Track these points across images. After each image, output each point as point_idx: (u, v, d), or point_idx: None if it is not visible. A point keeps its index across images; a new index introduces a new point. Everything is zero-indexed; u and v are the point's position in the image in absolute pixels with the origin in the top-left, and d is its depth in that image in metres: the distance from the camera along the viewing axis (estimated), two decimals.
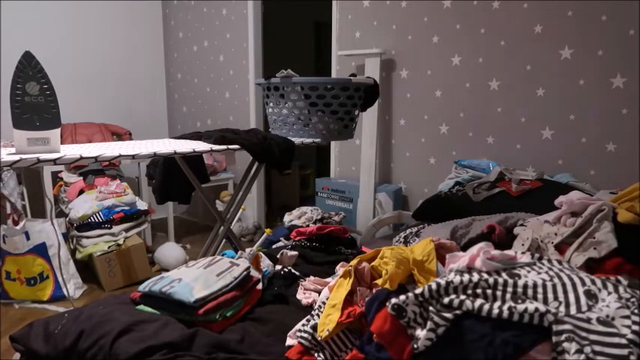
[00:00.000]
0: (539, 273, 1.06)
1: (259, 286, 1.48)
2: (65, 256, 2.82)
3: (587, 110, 2.35)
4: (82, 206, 3.02)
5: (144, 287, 1.37)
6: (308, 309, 1.40)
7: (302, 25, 5.35)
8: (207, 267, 1.43)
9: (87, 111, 4.13)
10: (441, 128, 2.89)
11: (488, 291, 0.98)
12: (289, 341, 1.21)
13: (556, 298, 0.96)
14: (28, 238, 2.74)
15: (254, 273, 1.49)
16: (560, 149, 2.46)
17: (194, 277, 1.35)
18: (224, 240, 2.19)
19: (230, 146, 1.79)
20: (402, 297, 1.00)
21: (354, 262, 1.28)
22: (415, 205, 2.94)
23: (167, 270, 2.75)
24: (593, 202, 1.31)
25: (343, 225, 2.33)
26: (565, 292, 0.97)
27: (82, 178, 3.36)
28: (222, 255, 1.69)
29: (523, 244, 1.37)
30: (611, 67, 2.26)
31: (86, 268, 3.07)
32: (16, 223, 2.80)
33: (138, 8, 4.38)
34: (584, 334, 0.86)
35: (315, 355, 1.14)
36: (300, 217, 2.49)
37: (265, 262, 1.62)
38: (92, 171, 3.41)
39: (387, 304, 1.01)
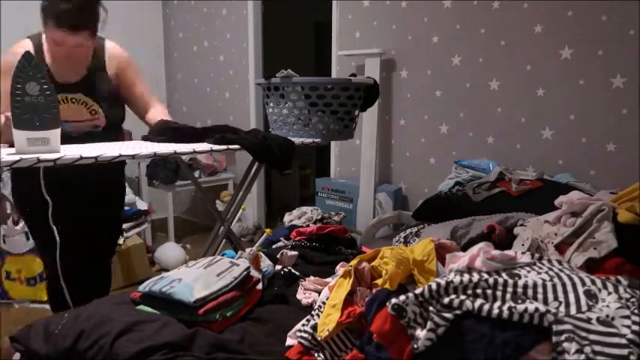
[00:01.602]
0: (539, 273, 1.06)
1: (259, 286, 1.48)
2: None
3: (587, 110, 2.35)
4: None
5: (144, 287, 1.37)
6: (308, 309, 1.40)
7: (302, 25, 5.34)
8: (207, 267, 1.43)
9: None
10: (441, 128, 2.89)
11: (489, 291, 0.98)
12: (289, 341, 1.21)
13: (556, 298, 0.96)
14: (28, 238, 2.74)
15: (254, 273, 1.49)
16: (560, 149, 2.46)
17: (194, 277, 1.35)
18: (224, 240, 2.19)
19: (230, 146, 1.79)
20: (402, 297, 1.00)
21: (354, 262, 1.28)
22: (415, 205, 2.93)
23: (167, 270, 2.74)
24: (593, 202, 1.31)
25: (343, 225, 2.32)
26: (565, 292, 0.97)
27: None
28: (222, 255, 1.69)
29: (523, 244, 1.37)
30: (611, 67, 2.25)
31: None
32: (16, 223, 2.80)
33: (138, 8, 4.38)
34: (584, 334, 0.86)
35: (315, 355, 1.14)
36: (300, 217, 2.49)
37: (265, 262, 1.62)
38: None
39: (387, 304, 1.01)
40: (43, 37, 1.73)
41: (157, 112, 1.95)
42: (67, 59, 1.72)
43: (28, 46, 1.73)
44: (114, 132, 1.93)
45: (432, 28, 2.84)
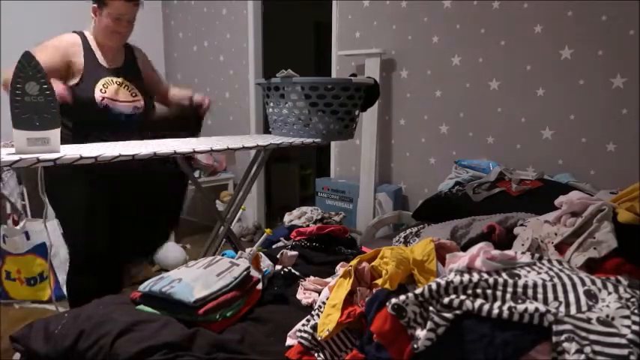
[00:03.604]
0: (539, 273, 1.06)
1: (259, 286, 1.48)
2: (65, 256, 2.82)
3: (587, 110, 2.35)
4: None
5: (144, 287, 1.37)
6: (308, 309, 1.40)
7: (302, 25, 5.34)
8: (207, 267, 1.43)
9: None
10: (441, 128, 2.89)
11: (488, 291, 0.98)
12: (289, 341, 1.21)
13: (556, 298, 0.96)
14: (28, 238, 2.74)
15: (254, 273, 1.49)
16: (560, 149, 2.46)
17: (194, 277, 1.35)
18: (224, 240, 2.19)
19: (230, 146, 1.80)
20: (402, 297, 1.00)
21: (354, 262, 1.28)
22: (415, 205, 2.93)
23: (167, 270, 2.74)
24: (593, 202, 1.31)
25: (343, 225, 2.32)
26: (565, 292, 0.97)
27: None
28: (222, 255, 1.69)
29: (523, 244, 1.37)
30: (611, 67, 2.25)
31: None
32: (16, 223, 2.80)
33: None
34: (584, 334, 0.86)
35: (315, 355, 1.14)
36: (300, 217, 2.49)
37: (265, 262, 1.62)
38: None
39: (387, 304, 1.01)
40: (85, 32, 2.03)
41: (177, 90, 2.30)
42: (120, 37, 2.04)
43: (74, 37, 1.99)
44: (148, 115, 2.15)
45: (432, 28, 2.84)
